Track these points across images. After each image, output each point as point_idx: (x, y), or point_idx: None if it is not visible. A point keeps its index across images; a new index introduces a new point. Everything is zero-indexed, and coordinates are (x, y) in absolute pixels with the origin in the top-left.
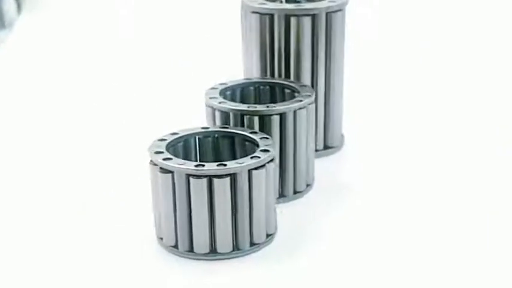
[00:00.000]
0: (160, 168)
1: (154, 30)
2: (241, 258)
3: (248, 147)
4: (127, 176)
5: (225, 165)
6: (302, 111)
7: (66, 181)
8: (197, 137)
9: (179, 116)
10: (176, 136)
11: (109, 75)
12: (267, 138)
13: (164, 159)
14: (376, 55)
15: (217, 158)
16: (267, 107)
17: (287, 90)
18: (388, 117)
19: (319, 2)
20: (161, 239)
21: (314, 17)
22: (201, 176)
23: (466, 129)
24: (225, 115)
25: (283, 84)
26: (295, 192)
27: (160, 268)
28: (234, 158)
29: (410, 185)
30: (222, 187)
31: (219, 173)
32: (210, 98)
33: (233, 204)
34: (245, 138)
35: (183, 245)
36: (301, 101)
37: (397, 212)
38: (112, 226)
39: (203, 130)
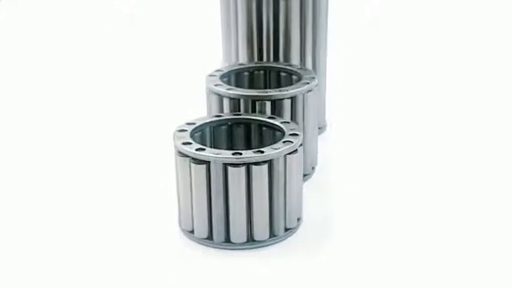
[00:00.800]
0: (193, 159)
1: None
2: (277, 245)
3: (265, 132)
4: (136, 170)
5: (262, 152)
6: (310, 94)
7: (71, 180)
8: (212, 126)
9: (167, 105)
10: (195, 126)
11: (94, 66)
12: (288, 122)
13: (197, 150)
14: (357, 35)
15: (231, 146)
16: (280, 91)
17: (283, 74)
18: (368, 99)
19: None
20: (191, 232)
21: None
22: (239, 164)
23: (451, 119)
24: (234, 101)
25: (279, 67)
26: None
27: (198, 262)
28: (248, 144)
29: (391, 164)
30: (259, 174)
31: (257, 160)
32: (216, 85)
33: (270, 190)
34: (264, 124)
35: (218, 236)
36: (308, 83)
37: (372, 191)
38: (132, 222)
39: (217, 118)
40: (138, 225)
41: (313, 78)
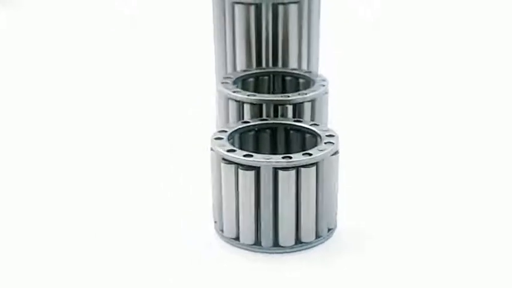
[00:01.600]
0: (241, 165)
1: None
2: (322, 245)
3: (292, 136)
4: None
5: (310, 154)
6: (325, 96)
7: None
8: (240, 132)
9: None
10: (227, 133)
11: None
12: (317, 124)
13: (245, 156)
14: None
15: (258, 152)
16: (299, 94)
17: (288, 78)
18: (364, 102)
19: None
20: (235, 239)
21: (299, 4)
22: (290, 167)
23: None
24: (255, 107)
25: (285, 72)
26: None
27: (247, 268)
28: (275, 149)
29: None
30: (308, 176)
31: (306, 162)
32: (234, 91)
33: (316, 192)
34: (293, 128)
35: (267, 240)
36: (323, 85)
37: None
38: (166, 234)
39: (245, 125)
40: (173, 236)
41: (325, 80)
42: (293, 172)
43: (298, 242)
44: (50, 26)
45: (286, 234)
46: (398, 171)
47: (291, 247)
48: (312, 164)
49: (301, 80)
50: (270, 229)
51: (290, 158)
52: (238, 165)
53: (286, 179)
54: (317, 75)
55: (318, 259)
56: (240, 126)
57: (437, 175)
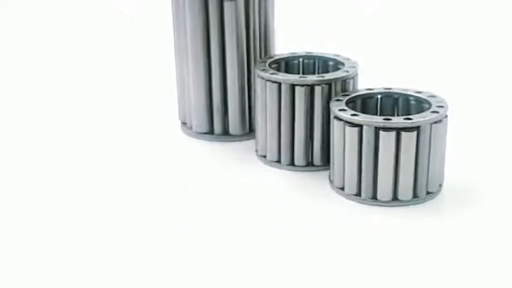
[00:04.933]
0: (348, 122)
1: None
2: (418, 205)
3: (412, 106)
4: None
5: (410, 118)
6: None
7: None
8: (363, 98)
9: None
10: (348, 97)
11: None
12: (434, 96)
13: (352, 115)
14: None
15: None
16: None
17: (331, 63)
18: None
19: None
20: (341, 188)
21: None
22: (390, 128)
23: None
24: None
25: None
26: None
27: (347, 214)
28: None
29: None
30: (408, 139)
31: (406, 125)
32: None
33: (416, 155)
34: (411, 98)
35: (366, 192)
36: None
37: None
38: None
39: (368, 92)
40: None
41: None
42: (393, 133)
43: (395, 199)
44: (47, 26)
45: (384, 190)
46: None
47: (387, 202)
48: (413, 128)
49: (339, 66)
50: (370, 183)
51: (390, 119)
52: (346, 122)
53: (387, 139)
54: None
55: (408, 216)
56: (362, 93)
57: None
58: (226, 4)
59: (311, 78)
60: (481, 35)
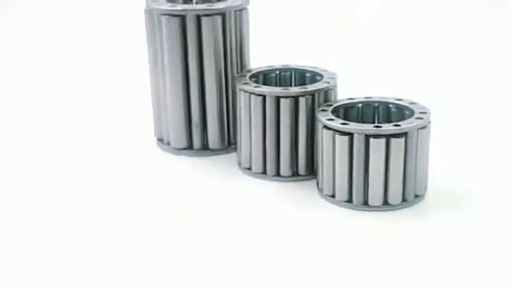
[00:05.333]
0: (339, 131)
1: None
2: (408, 209)
3: (393, 113)
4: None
5: (399, 125)
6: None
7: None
8: (345, 107)
9: None
10: (332, 107)
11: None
12: (415, 103)
13: (342, 124)
14: None
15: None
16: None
17: (307, 75)
18: None
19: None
20: (332, 196)
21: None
22: (380, 135)
23: None
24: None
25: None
26: None
27: (340, 221)
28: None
29: None
30: (398, 145)
31: (395, 132)
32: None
33: (404, 160)
34: (393, 105)
35: (357, 199)
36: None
37: None
38: None
39: (350, 101)
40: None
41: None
42: (383, 140)
43: (386, 203)
44: (49, 26)
45: (375, 195)
46: None
47: (378, 207)
48: (401, 134)
49: (317, 77)
50: (361, 189)
51: (380, 127)
52: (336, 131)
53: (377, 146)
54: (327, 70)
55: (399, 220)
56: (344, 103)
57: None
58: (203, 19)
59: (294, 90)
60: (451, 46)
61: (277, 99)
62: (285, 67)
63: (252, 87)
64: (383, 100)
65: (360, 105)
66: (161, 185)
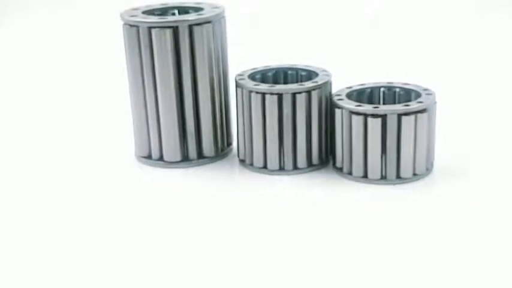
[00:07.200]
0: (371, 115)
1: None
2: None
3: (401, 96)
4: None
5: (421, 102)
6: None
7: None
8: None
9: None
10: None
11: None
12: (426, 89)
13: (374, 108)
14: None
15: None
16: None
17: (303, 73)
18: None
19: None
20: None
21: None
22: (410, 113)
23: None
24: None
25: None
26: None
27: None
28: None
29: None
30: (421, 121)
31: (420, 109)
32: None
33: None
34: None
35: (390, 173)
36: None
37: None
38: None
39: (362, 87)
40: None
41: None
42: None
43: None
44: (49, 26)
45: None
46: None
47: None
48: (423, 110)
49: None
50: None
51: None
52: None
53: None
54: (322, 69)
55: (395, 194)
56: (356, 88)
57: None
58: (195, 28)
59: (308, 85)
60: (451, 46)
61: (293, 95)
62: (279, 67)
63: (267, 87)
64: (390, 85)
65: (369, 90)
66: (173, 198)
